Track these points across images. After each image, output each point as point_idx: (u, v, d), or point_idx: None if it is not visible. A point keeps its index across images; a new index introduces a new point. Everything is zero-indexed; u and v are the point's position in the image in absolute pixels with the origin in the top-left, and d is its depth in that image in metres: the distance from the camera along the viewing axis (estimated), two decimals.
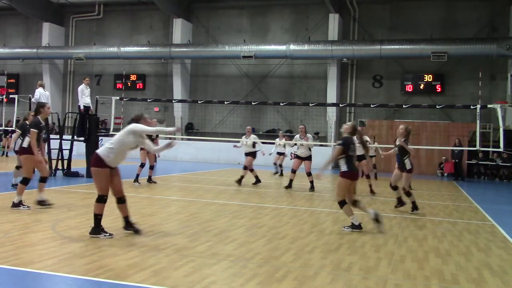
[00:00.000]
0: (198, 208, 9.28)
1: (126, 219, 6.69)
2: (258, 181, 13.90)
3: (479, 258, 6.24)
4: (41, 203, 8.57)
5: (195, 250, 5.92)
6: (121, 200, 6.60)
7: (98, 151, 6.57)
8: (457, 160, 19.40)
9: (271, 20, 26.06)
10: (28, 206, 8.29)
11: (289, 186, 13.22)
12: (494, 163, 20.53)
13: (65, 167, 14.33)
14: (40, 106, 8.87)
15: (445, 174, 21.03)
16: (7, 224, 6.96)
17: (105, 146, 6.53)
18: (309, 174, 13.06)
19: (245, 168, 13.79)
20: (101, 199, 6.39)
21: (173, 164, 21.98)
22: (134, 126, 6.51)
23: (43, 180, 8.64)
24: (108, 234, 6.35)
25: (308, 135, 13.41)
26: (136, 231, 6.63)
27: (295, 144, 13.62)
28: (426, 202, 11.73)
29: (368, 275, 5.24)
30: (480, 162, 20.90)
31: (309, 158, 13.18)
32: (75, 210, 8.47)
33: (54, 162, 14.31)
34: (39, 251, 5.59)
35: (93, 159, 6.51)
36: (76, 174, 14.08)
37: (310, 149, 13.24)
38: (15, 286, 4.55)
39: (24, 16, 28.72)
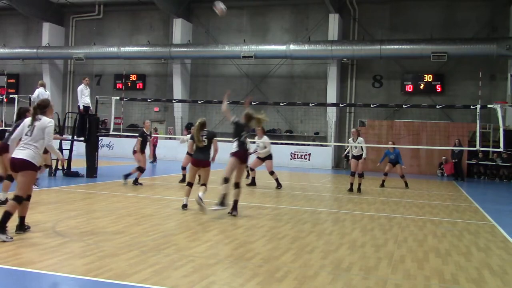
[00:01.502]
0: (198, 208, 9.27)
1: (23, 220, 6.40)
2: (183, 180, 13.46)
3: (479, 258, 6.24)
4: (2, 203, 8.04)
5: (195, 250, 5.92)
6: (29, 198, 6.34)
7: (25, 157, 6.12)
8: (457, 160, 19.40)
9: (271, 20, 26.05)
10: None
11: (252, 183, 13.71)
12: (494, 163, 20.52)
13: (65, 167, 14.35)
14: (26, 110, 8.59)
15: (445, 175, 21.03)
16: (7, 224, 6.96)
17: (29, 150, 6.16)
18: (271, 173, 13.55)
19: (184, 168, 13.53)
20: (22, 200, 6.16)
21: (173, 164, 21.94)
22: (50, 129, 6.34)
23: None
24: (10, 238, 5.99)
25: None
26: (28, 228, 6.44)
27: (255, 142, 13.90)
28: (426, 202, 11.74)
29: (368, 275, 5.23)
30: (480, 162, 20.89)
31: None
32: (75, 210, 8.47)
33: (54, 162, 14.31)
34: (39, 251, 5.59)
35: (28, 165, 6.12)
36: (76, 174, 14.09)
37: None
38: (15, 286, 4.55)
39: (24, 16, 28.69)
